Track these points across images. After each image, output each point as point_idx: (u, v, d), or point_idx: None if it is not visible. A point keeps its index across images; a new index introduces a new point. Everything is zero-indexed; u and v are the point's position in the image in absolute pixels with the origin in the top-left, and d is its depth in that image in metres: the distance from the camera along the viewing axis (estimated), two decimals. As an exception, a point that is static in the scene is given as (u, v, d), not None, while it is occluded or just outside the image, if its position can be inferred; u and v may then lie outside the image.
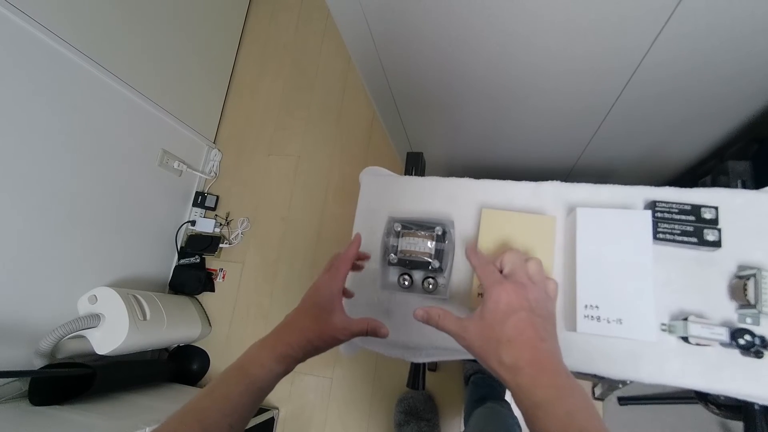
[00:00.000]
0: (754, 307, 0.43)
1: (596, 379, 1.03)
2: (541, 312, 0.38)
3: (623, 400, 1.09)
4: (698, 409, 0.97)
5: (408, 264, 0.53)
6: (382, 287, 0.55)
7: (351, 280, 0.58)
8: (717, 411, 0.89)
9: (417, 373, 0.64)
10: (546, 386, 0.33)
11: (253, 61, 1.76)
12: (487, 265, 0.42)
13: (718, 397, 0.83)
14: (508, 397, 0.99)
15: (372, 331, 0.46)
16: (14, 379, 1.01)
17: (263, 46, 1.78)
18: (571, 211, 0.52)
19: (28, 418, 0.93)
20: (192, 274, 1.50)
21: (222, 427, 0.38)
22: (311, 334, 0.43)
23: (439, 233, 0.53)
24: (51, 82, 1.03)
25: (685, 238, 0.47)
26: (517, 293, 0.38)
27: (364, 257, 0.55)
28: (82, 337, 1.10)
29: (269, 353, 0.42)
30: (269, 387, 0.42)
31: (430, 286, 0.53)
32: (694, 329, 0.43)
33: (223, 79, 1.71)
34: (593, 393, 1.12)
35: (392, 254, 0.54)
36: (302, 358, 0.43)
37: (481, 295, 0.51)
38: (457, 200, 0.57)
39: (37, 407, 0.98)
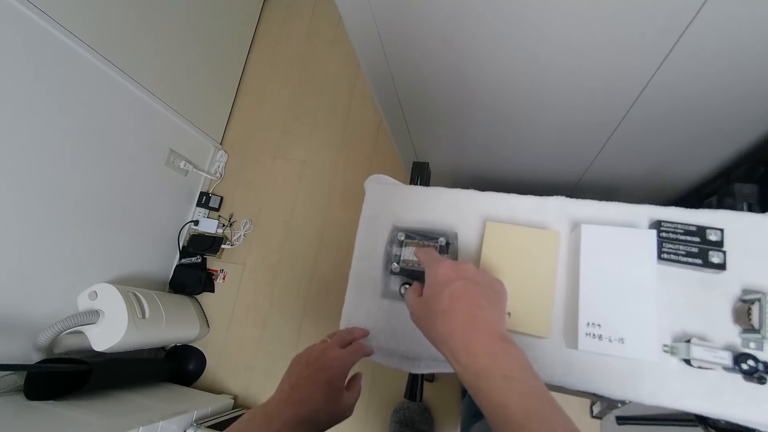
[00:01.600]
0: (758, 331, 0.42)
1: (595, 397, 1.02)
2: (479, 280, 0.38)
3: (621, 420, 1.07)
4: (698, 432, 0.96)
5: (410, 274, 0.53)
6: (383, 296, 0.55)
7: (352, 286, 0.58)
8: (717, 435, 0.87)
9: (415, 383, 0.63)
10: (481, 353, 0.32)
11: (263, 65, 1.78)
12: (428, 250, 0.43)
13: (717, 420, 0.82)
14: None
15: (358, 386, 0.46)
16: (10, 372, 1.01)
17: (273, 50, 1.79)
18: (575, 227, 0.51)
19: (23, 413, 0.93)
20: (193, 274, 1.50)
21: None
22: (322, 416, 0.40)
23: (443, 244, 0.53)
24: (61, 77, 1.04)
25: (690, 259, 0.46)
26: (454, 266, 0.39)
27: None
28: (81, 332, 1.10)
29: None
30: None
31: (432, 297, 0.53)
32: (697, 352, 0.43)
33: (233, 81, 1.72)
34: (591, 411, 1.10)
35: (395, 263, 0.54)
36: None
37: (482, 308, 0.51)
38: (461, 211, 0.57)
39: (32, 402, 0.98)
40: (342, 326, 0.56)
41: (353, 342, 0.48)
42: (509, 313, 0.49)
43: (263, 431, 0.38)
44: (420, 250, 0.44)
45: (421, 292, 0.41)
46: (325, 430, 0.41)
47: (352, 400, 0.43)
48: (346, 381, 0.45)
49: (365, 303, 0.56)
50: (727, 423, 0.45)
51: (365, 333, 0.51)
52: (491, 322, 0.35)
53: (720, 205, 0.62)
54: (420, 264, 0.53)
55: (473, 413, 0.97)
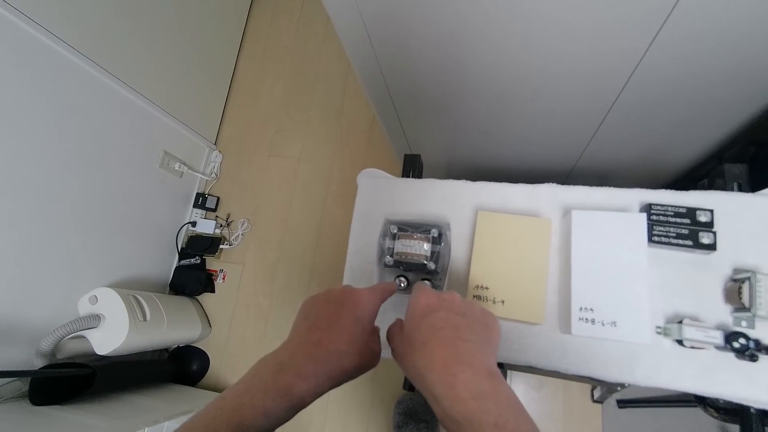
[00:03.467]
0: (748, 310, 0.43)
1: (594, 381, 1.03)
2: (465, 311, 0.33)
3: (622, 403, 1.08)
4: (697, 413, 0.97)
5: (404, 266, 0.54)
6: (379, 289, 0.56)
7: (348, 280, 0.58)
8: (716, 414, 0.88)
9: (413, 374, 0.64)
10: (466, 395, 0.27)
11: (254, 62, 1.77)
12: (418, 284, 0.39)
13: (717, 400, 0.83)
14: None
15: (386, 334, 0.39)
16: (15, 378, 1.01)
17: (264, 48, 1.78)
18: (566, 213, 0.52)
19: (29, 418, 0.94)
20: (192, 275, 1.50)
21: None
22: (348, 362, 0.33)
23: (435, 235, 0.53)
24: (52, 84, 1.04)
25: (680, 241, 0.47)
26: (436, 296, 0.35)
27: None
28: (83, 337, 1.10)
29: (282, 395, 0.30)
30: None
31: (426, 288, 0.53)
32: (689, 332, 0.43)
33: (224, 80, 1.71)
34: (592, 396, 1.11)
35: (388, 256, 0.54)
36: (327, 391, 0.33)
37: (476, 297, 0.51)
38: (453, 202, 0.58)
39: (38, 407, 0.99)
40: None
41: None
42: (503, 301, 0.49)
43: (269, 388, 0.30)
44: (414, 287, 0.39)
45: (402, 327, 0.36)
46: (352, 378, 0.34)
47: (378, 347, 0.36)
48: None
49: (361, 297, 0.57)
50: (726, 402, 0.46)
51: (392, 284, 0.44)
52: (477, 354, 0.30)
53: (711, 187, 0.62)
54: (412, 257, 0.53)
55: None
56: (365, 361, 0.35)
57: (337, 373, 0.33)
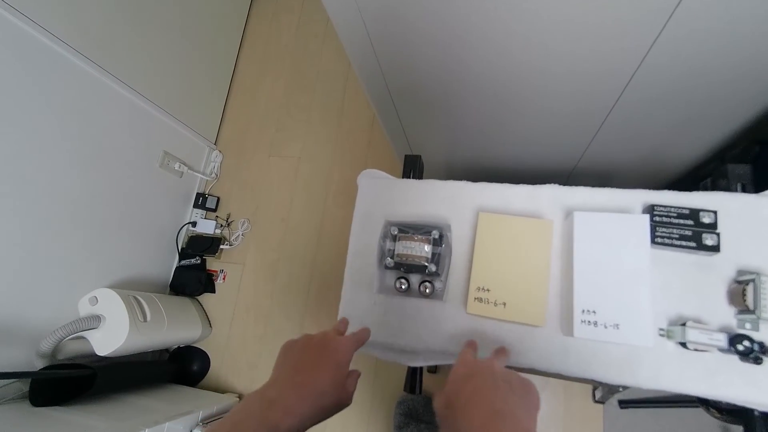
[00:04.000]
0: (753, 312, 0.42)
1: (596, 382, 1.02)
2: (504, 377, 0.36)
3: (624, 404, 1.08)
4: (700, 413, 0.96)
5: (405, 268, 0.53)
6: (379, 291, 0.55)
7: (348, 282, 0.58)
8: (718, 415, 0.88)
9: (414, 376, 0.64)
10: None
11: (254, 62, 1.77)
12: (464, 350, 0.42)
13: (719, 402, 0.82)
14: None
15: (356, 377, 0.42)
16: (15, 379, 1.01)
17: (264, 47, 1.78)
18: (568, 214, 0.51)
19: (29, 419, 0.94)
20: (193, 275, 1.50)
21: None
22: (329, 402, 0.36)
23: (436, 237, 0.53)
24: (53, 84, 1.04)
25: (684, 243, 0.46)
26: (475, 361, 0.38)
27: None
28: (83, 338, 1.10)
29: (270, 427, 0.32)
30: None
31: (427, 290, 0.53)
32: (692, 335, 0.43)
33: (224, 80, 1.71)
34: (594, 396, 1.11)
35: (389, 258, 0.54)
36: (307, 428, 0.35)
37: (477, 299, 0.51)
38: (454, 203, 0.57)
39: (38, 408, 0.99)
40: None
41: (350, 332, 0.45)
42: (504, 303, 0.49)
43: (260, 421, 0.33)
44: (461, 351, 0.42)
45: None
46: (329, 416, 0.37)
47: (352, 388, 0.40)
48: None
49: (362, 299, 0.56)
50: (729, 404, 0.45)
51: (367, 332, 0.47)
52: (517, 413, 0.32)
53: (714, 187, 0.62)
54: (413, 259, 0.52)
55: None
56: (342, 401, 0.38)
57: (318, 411, 0.36)
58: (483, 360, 0.39)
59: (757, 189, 0.52)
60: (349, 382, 0.40)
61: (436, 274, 0.52)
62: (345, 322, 0.48)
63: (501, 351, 0.43)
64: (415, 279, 0.54)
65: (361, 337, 0.44)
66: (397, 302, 0.55)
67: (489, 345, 0.50)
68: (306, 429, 0.35)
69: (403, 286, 0.54)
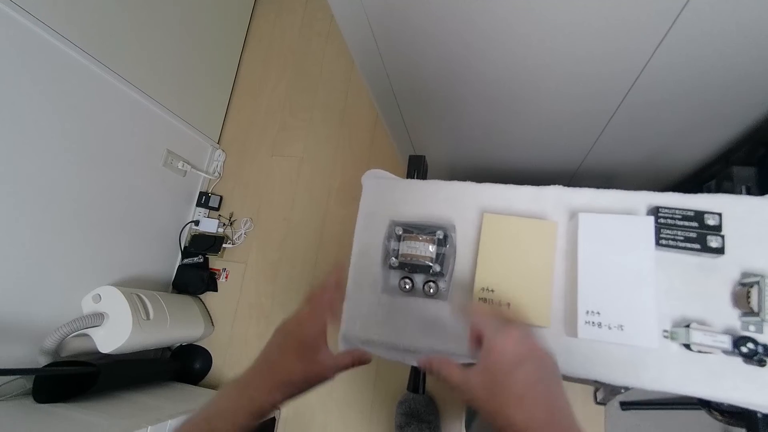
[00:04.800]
0: (757, 315, 0.42)
1: (598, 383, 1.02)
2: (548, 363, 0.35)
3: (625, 405, 1.08)
4: (701, 415, 0.96)
5: (409, 268, 0.54)
6: (383, 291, 0.56)
7: (352, 282, 0.58)
8: (720, 417, 0.88)
9: (417, 376, 0.64)
10: None
11: (258, 62, 1.77)
12: (483, 311, 0.40)
13: (721, 404, 0.83)
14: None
15: (357, 362, 0.43)
16: (18, 376, 1.02)
17: (268, 47, 1.78)
18: (573, 216, 0.51)
19: (32, 416, 0.94)
20: (195, 274, 1.50)
21: None
22: (296, 376, 0.39)
23: (441, 237, 0.53)
24: (56, 82, 1.04)
25: (688, 245, 0.46)
26: (523, 341, 0.35)
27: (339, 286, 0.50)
28: (86, 335, 1.11)
29: (245, 406, 0.37)
30: None
31: (431, 290, 0.53)
32: (697, 336, 0.43)
33: (228, 79, 1.71)
34: (595, 397, 1.11)
35: (393, 258, 0.54)
36: (282, 403, 0.39)
37: (482, 299, 0.51)
38: (458, 204, 0.57)
39: (41, 405, 0.99)
40: (343, 324, 0.57)
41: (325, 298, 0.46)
42: (509, 304, 0.49)
43: (237, 400, 0.37)
44: (476, 313, 0.40)
45: (464, 369, 0.37)
46: (304, 390, 0.40)
47: (330, 361, 0.41)
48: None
49: (366, 299, 0.57)
50: (730, 406, 0.46)
51: (338, 276, 0.48)
52: (571, 416, 0.32)
53: (719, 189, 0.62)
54: (417, 258, 0.53)
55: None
56: (312, 375, 0.40)
57: (286, 386, 0.39)
58: (529, 338, 0.36)
59: (761, 191, 0.52)
60: (324, 356, 0.41)
61: (441, 274, 0.52)
62: (332, 273, 0.48)
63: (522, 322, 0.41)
64: (419, 279, 0.54)
65: (326, 308, 0.44)
66: (401, 302, 0.55)
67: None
68: (279, 402, 0.38)
69: (407, 286, 0.54)
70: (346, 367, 0.43)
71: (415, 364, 0.56)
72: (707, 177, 0.83)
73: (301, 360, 0.40)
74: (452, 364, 0.38)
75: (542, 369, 0.34)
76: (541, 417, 0.31)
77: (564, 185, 0.55)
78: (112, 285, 1.18)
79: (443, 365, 0.38)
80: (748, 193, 0.53)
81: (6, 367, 0.89)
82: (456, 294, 0.54)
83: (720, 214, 0.47)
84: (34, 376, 1.03)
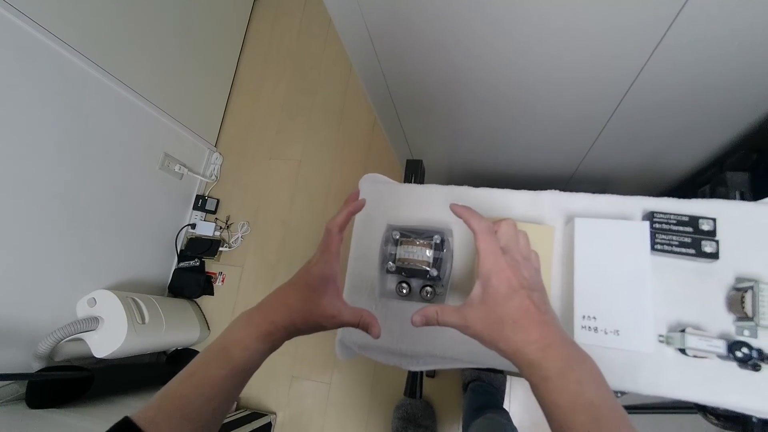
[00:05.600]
0: (751, 319, 0.43)
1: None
2: (535, 286, 0.39)
3: (622, 409, 1.08)
4: (697, 419, 0.96)
5: (406, 272, 0.54)
6: (380, 295, 0.56)
7: (349, 286, 0.58)
8: (716, 422, 0.88)
9: (414, 381, 0.64)
10: (556, 358, 0.34)
11: (256, 65, 1.77)
12: (491, 236, 0.40)
13: (717, 408, 0.83)
14: (506, 406, 0.99)
15: (363, 326, 0.43)
16: (11, 381, 1.01)
17: (266, 50, 1.78)
18: (569, 220, 0.52)
19: (25, 421, 0.93)
20: (191, 278, 1.50)
21: (205, 413, 0.37)
22: (296, 315, 0.41)
23: (438, 242, 0.53)
24: (53, 84, 1.03)
25: (683, 250, 0.47)
26: (514, 273, 0.38)
27: (356, 209, 0.51)
28: (81, 340, 1.10)
29: (253, 332, 0.39)
30: (254, 368, 0.40)
31: (428, 295, 0.53)
32: (692, 341, 0.43)
33: (226, 82, 1.71)
34: (592, 401, 1.11)
35: (390, 262, 0.54)
36: (285, 338, 0.41)
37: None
38: (455, 208, 0.57)
39: (34, 410, 0.98)
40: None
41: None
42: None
43: (245, 327, 0.40)
44: (482, 231, 0.40)
45: (459, 309, 0.40)
46: (306, 332, 0.42)
47: (333, 311, 0.42)
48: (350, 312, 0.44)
49: (363, 303, 0.56)
50: (726, 410, 0.46)
51: (348, 210, 0.50)
52: (560, 327, 0.37)
53: (713, 194, 0.62)
54: (414, 263, 0.53)
55: (475, 408, 0.98)
56: (314, 316, 0.41)
57: (288, 322, 0.40)
58: (515, 266, 0.39)
59: (755, 197, 0.53)
60: (329, 302, 0.42)
61: (438, 278, 0.52)
62: (347, 211, 0.50)
63: (523, 236, 0.43)
64: (416, 283, 0.54)
65: (332, 252, 0.46)
66: (399, 306, 0.55)
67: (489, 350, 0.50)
68: (281, 336, 0.40)
69: (405, 291, 0.54)
70: (349, 324, 0.43)
71: (411, 368, 0.56)
72: (701, 182, 0.84)
73: (304, 301, 0.42)
74: (446, 309, 0.41)
75: (531, 293, 0.37)
76: (536, 334, 0.35)
77: (560, 190, 0.55)
78: (107, 289, 1.17)
79: (439, 314, 0.41)
80: (742, 198, 0.54)
81: (-1, 372, 0.89)
82: (452, 298, 0.54)
83: (714, 219, 0.47)
84: (27, 381, 1.02)
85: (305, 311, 0.41)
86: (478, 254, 0.40)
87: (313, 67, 1.71)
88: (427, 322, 0.41)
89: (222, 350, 0.39)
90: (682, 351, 0.45)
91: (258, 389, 1.37)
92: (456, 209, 0.44)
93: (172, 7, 1.35)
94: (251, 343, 0.39)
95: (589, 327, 0.45)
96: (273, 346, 0.40)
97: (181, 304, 1.43)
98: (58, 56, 1.04)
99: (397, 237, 0.54)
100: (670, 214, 0.48)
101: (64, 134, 1.08)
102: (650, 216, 0.49)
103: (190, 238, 1.56)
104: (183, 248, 1.55)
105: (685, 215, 0.48)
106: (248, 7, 1.81)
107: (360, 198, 0.52)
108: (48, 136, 1.04)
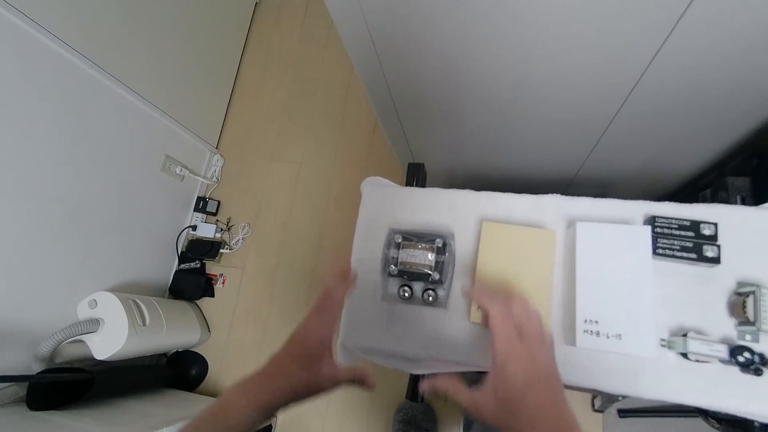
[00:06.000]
0: (753, 324, 0.43)
1: (596, 391, 1.02)
2: (550, 373, 0.38)
3: (623, 413, 1.08)
4: (698, 423, 0.96)
5: (408, 275, 0.54)
6: (382, 298, 0.56)
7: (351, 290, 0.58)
8: (717, 426, 0.88)
9: (415, 384, 0.64)
10: None
11: (257, 67, 1.78)
12: (506, 318, 0.40)
13: (718, 412, 0.83)
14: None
15: (359, 381, 0.44)
16: (12, 383, 1.01)
17: (267, 53, 1.79)
18: (571, 224, 0.52)
19: (26, 423, 0.93)
20: (192, 279, 1.50)
21: None
22: (297, 384, 0.41)
23: (440, 245, 0.53)
24: (54, 86, 1.04)
25: (685, 254, 0.47)
26: (531, 362, 0.37)
27: (351, 281, 0.51)
28: (81, 341, 1.10)
29: (251, 401, 0.39)
30: None
31: (430, 298, 0.53)
32: (694, 346, 0.43)
33: (227, 85, 1.72)
34: (593, 405, 1.11)
35: (392, 266, 0.54)
36: (284, 406, 0.41)
37: (480, 308, 0.51)
38: (457, 212, 0.58)
39: (35, 412, 0.98)
40: (342, 331, 0.57)
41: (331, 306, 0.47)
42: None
43: (240, 397, 0.39)
44: (498, 315, 0.41)
45: (472, 391, 0.40)
46: (303, 398, 0.41)
47: (331, 373, 0.43)
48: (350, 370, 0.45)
49: (364, 306, 0.57)
50: (728, 414, 0.46)
51: (346, 280, 0.48)
52: (573, 420, 0.36)
53: (714, 199, 0.62)
54: (416, 267, 0.53)
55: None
56: (314, 383, 0.42)
57: (288, 391, 0.40)
58: (531, 355, 0.38)
59: (756, 201, 0.53)
60: (327, 367, 0.42)
61: (440, 282, 0.53)
62: (334, 274, 0.48)
63: (537, 317, 0.42)
64: (418, 287, 0.54)
65: (332, 318, 0.45)
66: (400, 310, 0.55)
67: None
68: (280, 404, 0.40)
69: (407, 294, 0.54)
70: (346, 383, 0.44)
71: (413, 371, 0.56)
72: (702, 187, 0.84)
73: (304, 369, 0.41)
74: (458, 386, 0.40)
75: (550, 389, 0.36)
76: (545, 420, 0.34)
77: (561, 194, 0.56)
78: (108, 290, 1.17)
79: (449, 387, 0.40)
80: (743, 202, 0.54)
81: (-1, 374, 0.89)
82: (455, 302, 0.54)
83: (716, 224, 0.47)
84: (27, 383, 1.02)
85: (306, 379, 0.41)
86: (493, 336, 0.40)
87: (314, 70, 1.71)
88: (435, 394, 0.42)
89: (216, 416, 0.39)
90: (684, 355, 0.45)
91: (258, 391, 1.36)
92: (467, 293, 0.45)
93: (174, 10, 1.36)
94: (247, 410, 0.39)
95: (591, 331, 0.45)
96: (268, 416, 0.40)
97: (182, 305, 1.43)
98: (60, 58, 1.04)
99: (399, 240, 0.55)
100: (672, 218, 0.48)
101: (66, 135, 1.08)
102: (651, 220, 0.49)
103: (191, 240, 1.56)
104: (184, 250, 1.55)
105: (686, 220, 0.48)
106: (250, 11, 1.81)
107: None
108: (49, 137, 1.04)
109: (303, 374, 0.41)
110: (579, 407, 1.12)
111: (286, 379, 0.41)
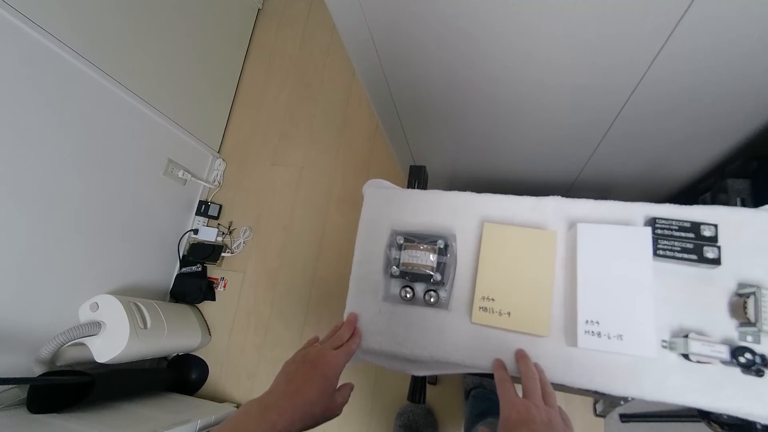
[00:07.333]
0: (754, 325, 0.43)
1: (597, 395, 1.02)
2: (554, 422, 0.40)
3: (625, 417, 1.07)
4: (701, 428, 0.96)
5: (410, 276, 0.54)
6: (384, 299, 0.56)
7: (353, 290, 0.59)
8: (720, 429, 0.88)
9: (417, 386, 0.64)
10: None
11: (259, 72, 1.79)
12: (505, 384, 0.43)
13: (720, 416, 0.82)
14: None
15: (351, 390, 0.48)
16: (13, 386, 1.00)
17: (269, 58, 1.81)
18: (572, 226, 0.52)
19: (26, 426, 0.93)
20: (193, 283, 1.50)
21: None
22: (317, 409, 0.42)
23: (441, 246, 0.53)
24: (58, 90, 1.05)
25: (685, 255, 0.47)
26: (538, 409, 0.40)
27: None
28: (82, 344, 1.10)
29: (267, 430, 0.38)
30: None
31: (432, 299, 0.53)
32: (695, 347, 0.44)
33: (229, 89, 1.73)
34: (594, 410, 1.10)
35: (394, 267, 0.54)
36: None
37: (482, 308, 0.51)
38: (459, 214, 0.58)
39: (35, 415, 0.98)
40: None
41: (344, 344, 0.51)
42: (509, 313, 0.50)
43: (259, 422, 0.39)
44: (501, 385, 0.45)
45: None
46: (318, 424, 0.42)
47: (341, 399, 0.45)
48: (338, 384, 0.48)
49: (367, 307, 0.57)
50: (730, 418, 0.46)
51: (357, 335, 0.53)
52: None
53: (714, 201, 0.63)
54: (418, 268, 0.53)
55: (476, 414, 0.98)
56: (329, 411, 0.43)
57: (307, 417, 0.41)
58: (538, 407, 0.40)
59: (755, 203, 0.53)
60: (338, 394, 0.45)
61: (441, 283, 0.53)
62: (351, 322, 0.53)
63: (549, 394, 0.44)
64: (420, 288, 0.55)
65: (351, 350, 0.49)
66: (402, 311, 0.56)
67: (493, 355, 0.50)
68: (297, 431, 0.40)
69: (408, 295, 0.54)
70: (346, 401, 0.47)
71: (415, 373, 0.56)
72: (703, 189, 0.84)
73: (323, 395, 0.43)
74: None
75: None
76: None
77: (562, 196, 0.56)
78: (109, 293, 1.17)
79: None
80: (743, 204, 0.54)
81: (0, 377, 0.89)
82: (456, 303, 0.54)
83: (716, 226, 0.47)
84: (28, 386, 1.02)
85: (324, 406, 0.43)
86: (501, 401, 0.42)
87: (315, 75, 1.72)
88: None
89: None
90: (686, 356, 0.45)
91: (259, 393, 1.36)
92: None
93: (178, 16, 1.37)
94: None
95: (593, 332, 0.45)
96: None
97: (183, 309, 1.43)
98: (64, 62, 1.05)
99: (401, 242, 0.55)
100: (672, 220, 0.49)
101: (69, 139, 1.09)
102: (652, 222, 0.49)
103: (193, 244, 1.57)
104: (185, 253, 1.55)
105: (686, 221, 0.48)
106: (252, 17, 1.84)
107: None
108: (53, 140, 1.05)
109: (322, 401, 0.43)
110: (580, 412, 1.12)
111: (307, 405, 0.42)
